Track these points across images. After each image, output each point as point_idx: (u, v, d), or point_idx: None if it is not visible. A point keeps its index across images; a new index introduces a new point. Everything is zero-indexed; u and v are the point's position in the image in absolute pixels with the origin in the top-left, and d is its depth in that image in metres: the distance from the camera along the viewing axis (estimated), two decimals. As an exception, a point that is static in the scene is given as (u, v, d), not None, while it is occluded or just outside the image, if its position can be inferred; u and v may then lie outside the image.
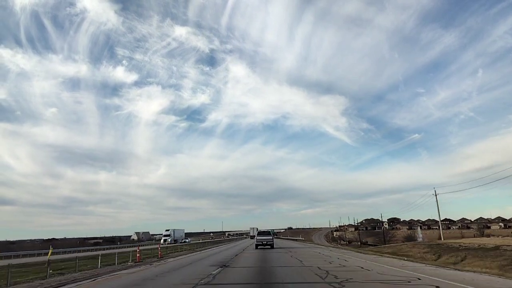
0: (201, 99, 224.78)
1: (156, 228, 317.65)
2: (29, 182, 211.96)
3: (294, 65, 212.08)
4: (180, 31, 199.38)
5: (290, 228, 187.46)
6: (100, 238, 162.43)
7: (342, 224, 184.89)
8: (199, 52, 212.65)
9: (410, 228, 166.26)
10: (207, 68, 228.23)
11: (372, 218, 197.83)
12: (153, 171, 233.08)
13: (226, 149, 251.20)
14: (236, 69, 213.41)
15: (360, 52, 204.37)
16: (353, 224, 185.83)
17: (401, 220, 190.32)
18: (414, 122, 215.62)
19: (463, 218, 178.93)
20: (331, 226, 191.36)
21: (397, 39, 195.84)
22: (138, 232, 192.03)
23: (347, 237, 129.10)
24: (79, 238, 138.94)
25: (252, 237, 74.17)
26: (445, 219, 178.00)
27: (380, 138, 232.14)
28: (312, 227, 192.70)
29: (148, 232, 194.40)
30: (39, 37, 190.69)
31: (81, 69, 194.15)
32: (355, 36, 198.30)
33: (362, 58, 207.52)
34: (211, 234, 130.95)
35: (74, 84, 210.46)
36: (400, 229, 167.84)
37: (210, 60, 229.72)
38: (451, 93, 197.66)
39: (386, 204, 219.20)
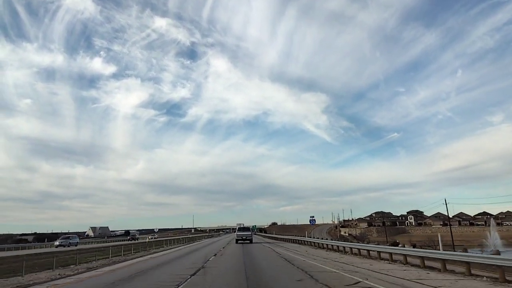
0: (181, 93, 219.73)
1: (135, 224, 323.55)
2: (3, 175, 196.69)
3: (276, 61, 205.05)
4: (160, 23, 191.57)
5: (274, 224, 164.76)
6: (31, 234, 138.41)
7: (348, 219, 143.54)
8: (179, 45, 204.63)
9: (444, 224, 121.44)
10: (188, 62, 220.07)
11: (383, 212, 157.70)
12: (132, 166, 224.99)
13: (206, 145, 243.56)
14: (218, 63, 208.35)
15: (342, 50, 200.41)
16: (363, 218, 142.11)
17: (424, 213, 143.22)
18: (393, 121, 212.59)
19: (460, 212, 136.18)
20: (330, 222, 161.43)
21: (379, 38, 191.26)
22: (94, 227, 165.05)
23: (365, 234, 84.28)
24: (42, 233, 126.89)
25: None
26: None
27: (359, 137, 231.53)
28: (301, 223, 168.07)
29: (107, 227, 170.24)
30: (12, 25, 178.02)
31: (57, 59, 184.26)
32: (337, 34, 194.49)
33: (344, 56, 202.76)
34: (155, 229, 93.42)
35: (49, 74, 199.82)
36: (432, 224, 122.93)
37: (191, 54, 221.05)
38: (431, 93, 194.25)
39: (364, 202, 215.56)
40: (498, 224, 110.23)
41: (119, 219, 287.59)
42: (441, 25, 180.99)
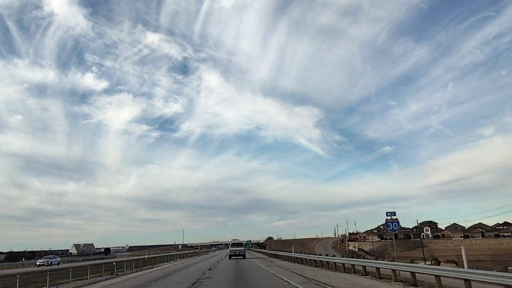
0: (173, 108, 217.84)
1: (126, 240, 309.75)
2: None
3: (268, 75, 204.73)
4: (152, 38, 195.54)
5: (270, 238, 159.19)
6: (6, 252, 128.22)
7: (353, 231, 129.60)
8: (171, 60, 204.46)
9: (466, 237, 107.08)
10: (180, 77, 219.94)
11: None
12: (123, 182, 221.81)
13: (198, 160, 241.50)
14: (210, 78, 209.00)
15: (333, 64, 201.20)
16: (371, 230, 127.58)
17: (438, 225, 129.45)
18: (386, 134, 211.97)
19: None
20: (332, 236, 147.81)
21: (370, 52, 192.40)
22: (78, 245, 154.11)
23: (385, 250, 69.94)
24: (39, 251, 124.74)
25: None
26: None
27: (352, 150, 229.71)
28: (298, 237, 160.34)
29: (92, 245, 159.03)
30: (3, 41, 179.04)
31: (48, 75, 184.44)
32: (329, 48, 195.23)
33: (335, 70, 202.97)
34: (125, 246, 79.23)
35: (40, 90, 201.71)
36: (451, 237, 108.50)
37: (183, 69, 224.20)
38: (422, 106, 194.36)
39: (358, 216, 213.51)
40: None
41: (110, 236, 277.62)
42: (431, 39, 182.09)
